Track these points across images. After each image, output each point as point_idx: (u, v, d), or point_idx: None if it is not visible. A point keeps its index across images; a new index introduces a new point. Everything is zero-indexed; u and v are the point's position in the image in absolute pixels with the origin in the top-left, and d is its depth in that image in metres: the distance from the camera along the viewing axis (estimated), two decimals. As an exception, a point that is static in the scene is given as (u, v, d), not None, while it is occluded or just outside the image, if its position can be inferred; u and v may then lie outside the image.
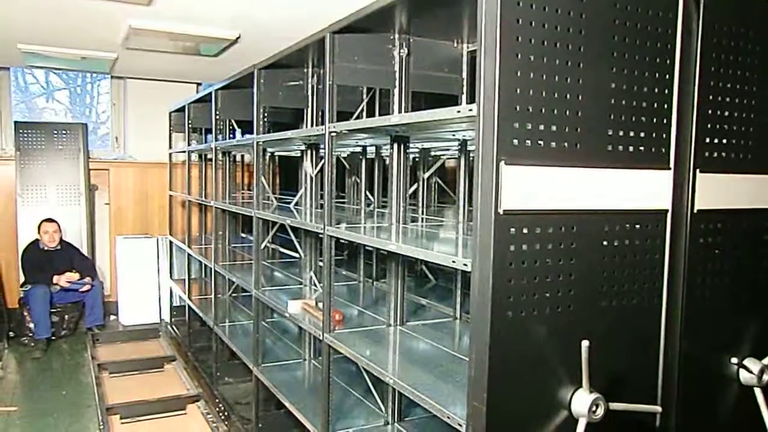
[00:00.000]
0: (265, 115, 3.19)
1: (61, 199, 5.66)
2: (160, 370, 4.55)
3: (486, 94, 1.44)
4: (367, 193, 3.52)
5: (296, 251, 3.74)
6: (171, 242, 5.48)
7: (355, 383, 2.79)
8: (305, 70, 3.11)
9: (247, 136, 4.03)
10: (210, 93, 3.94)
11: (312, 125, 3.17)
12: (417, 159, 3.25)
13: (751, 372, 1.81)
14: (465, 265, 1.53)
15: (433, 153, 3.27)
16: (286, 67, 3.06)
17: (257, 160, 3.13)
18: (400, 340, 2.32)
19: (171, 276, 5.53)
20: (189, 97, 4.72)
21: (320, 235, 2.39)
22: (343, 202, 3.93)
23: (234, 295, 4.39)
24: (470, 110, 1.50)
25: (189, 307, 4.71)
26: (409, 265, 2.68)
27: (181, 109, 4.79)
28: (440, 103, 1.85)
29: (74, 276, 5.12)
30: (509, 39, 1.43)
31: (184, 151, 4.87)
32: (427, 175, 3.05)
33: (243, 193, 5.26)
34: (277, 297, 3.06)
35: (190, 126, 4.62)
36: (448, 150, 3.06)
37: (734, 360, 1.82)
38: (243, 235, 5.36)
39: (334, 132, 2.24)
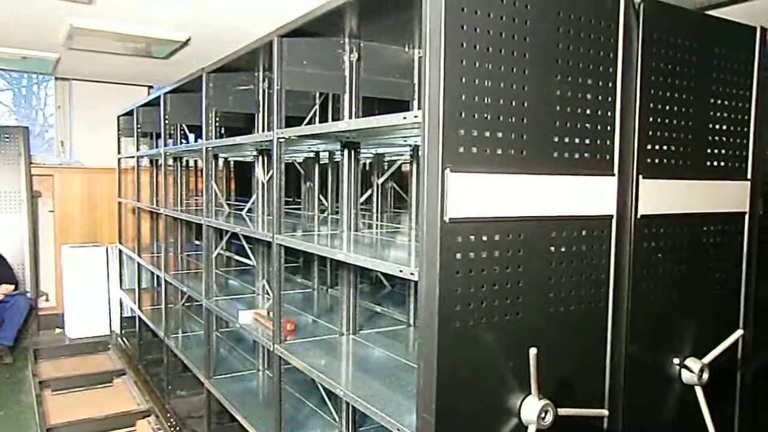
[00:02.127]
0: (217, 120, 3.12)
1: (1, 207, 5.42)
2: (108, 385, 4.38)
3: (431, 100, 1.42)
4: (322, 198, 3.48)
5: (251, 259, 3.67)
6: (120, 251, 5.31)
7: (309, 393, 2.74)
8: (256, 74, 3.05)
9: (199, 141, 3.94)
10: (159, 97, 3.83)
11: (264, 130, 3.11)
12: (371, 164, 3.23)
13: (692, 371, 1.85)
14: (412, 274, 1.51)
15: (387, 158, 3.25)
16: (237, 70, 2.99)
17: (207, 166, 3.06)
18: (352, 349, 2.28)
19: (121, 286, 5.36)
20: (137, 101, 4.59)
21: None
22: (299, 208, 3.88)
23: (187, 304, 4.28)
24: (416, 117, 1.49)
25: (140, 318, 4.57)
26: (363, 272, 2.65)
27: (130, 113, 4.65)
28: (396, 109, 1.84)
29: (9, 288, 4.86)
30: (454, 45, 1.42)
31: (133, 157, 4.72)
32: (381, 180, 3.03)
33: (196, 200, 5.14)
34: (231, 306, 2.99)
35: (139, 130, 4.49)
36: (402, 155, 3.05)
37: (676, 361, 1.86)
38: (197, 242, 5.24)
39: (283, 138, 2.20)
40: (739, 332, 1.97)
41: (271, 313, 2.48)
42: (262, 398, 2.87)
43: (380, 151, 3.06)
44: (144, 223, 5.19)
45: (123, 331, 5.34)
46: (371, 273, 3.34)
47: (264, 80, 3.04)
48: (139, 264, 4.71)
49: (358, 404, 1.78)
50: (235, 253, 4.30)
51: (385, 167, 3.25)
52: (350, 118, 2.28)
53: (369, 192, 3.08)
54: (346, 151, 2.40)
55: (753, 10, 3.14)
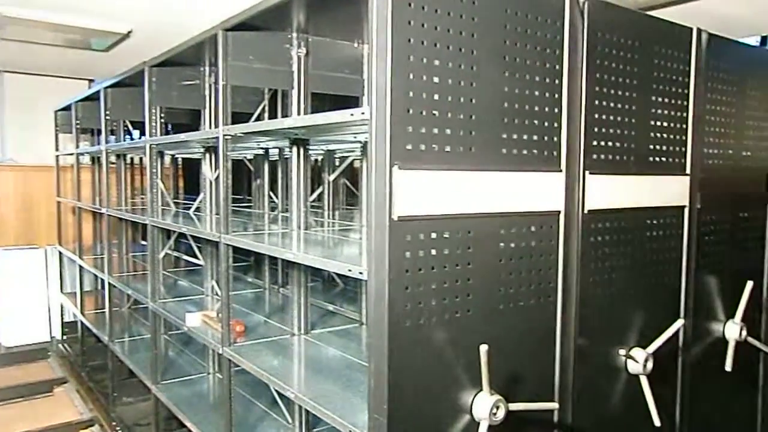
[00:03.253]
0: (162, 115, 3.02)
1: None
2: (48, 395, 4.19)
3: (378, 97, 1.40)
4: (273, 196, 3.42)
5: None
6: (60, 253, 5.08)
7: (261, 394, 2.69)
8: (202, 69, 2.96)
9: (143, 138, 3.81)
10: (99, 91, 3.68)
11: (211, 127, 3.03)
12: (322, 161, 3.19)
13: (637, 361, 1.90)
14: (361, 273, 1.49)
15: (338, 154, 3.22)
16: (181, 65, 2.90)
17: (151, 164, 2.95)
18: (304, 349, 2.25)
19: (62, 290, 5.13)
20: (76, 96, 4.39)
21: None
22: (250, 206, 3.81)
23: (134, 307, 4.14)
24: (363, 114, 1.47)
25: (82, 323, 4.39)
26: (315, 270, 2.62)
27: (68, 108, 4.45)
28: (348, 105, 1.81)
29: None
30: (401, 41, 1.40)
31: (72, 154, 4.52)
32: (332, 177, 3.00)
33: (143, 199, 4.97)
34: (181, 308, 2.90)
35: (78, 127, 4.30)
36: (353, 151, 3.03)
37: (622, 352, 1.91)
38: (144, 242, 5.07)
39: (229, 135, 2.14)
40: (681, 322, 2.03)
41: (220, 315, 2.42)
42: (212, 402, 2.80)
43: (331, 147, 3.03)
44: (86, 224, 4.99)
45: (64, 337, 5.12)
46: (323, 271, 3.31)
47: (210, 75, 2.96)
48: (81, 266, 4.53)
49: (309, 406, 1.75)
50: (185, 253, 4.19)
51: (337, 164, 3.22)
52: (299, 114, 2.24)
53: (320, 189, 3.04)
54: (295, 148, 2.36)
55: (689, 11, 3.25)
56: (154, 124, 2.90)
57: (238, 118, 2.24)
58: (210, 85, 2.98)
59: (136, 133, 4.26)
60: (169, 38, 3.12)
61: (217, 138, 2.19)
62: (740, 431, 2.55)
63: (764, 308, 2.57)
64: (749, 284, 2.34)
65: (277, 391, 2.35)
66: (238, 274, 3.72)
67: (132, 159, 5.02)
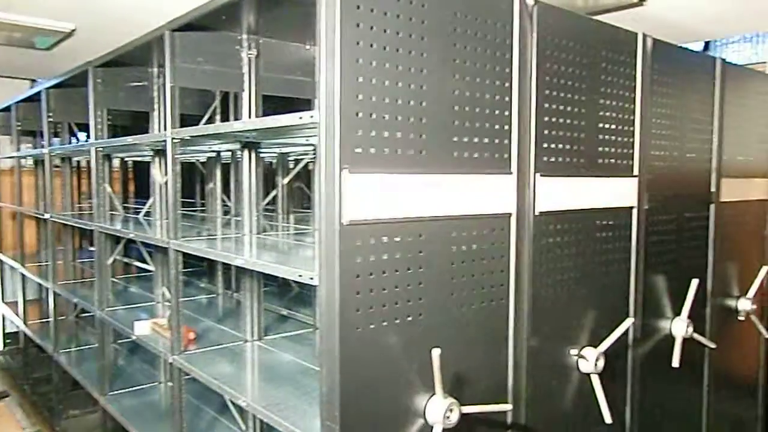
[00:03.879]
0: (109, 117, 2.92)
1: None
2: (-12, 411, 4.02)
3: (327, 100, 1.38)
4: (227, 200, 3.36)
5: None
6: (1, 261, 4.87)
7: (216, 402, 2.63)
8: (150, 70, 2.88)
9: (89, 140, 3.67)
10: (40, 92, 3.53)
11: (159, 130, 2.95)
12: (275, 164, 3.14)
13: (588, 360, 1.93)
14: (311, 279, 1.46)
15: (292, 157, 3.17)
16: (128, 65, 2.81)
17: (97, 168, 2.85)
18: (258, 356, 2.21)
19: (2, 299, 4.92)
20: (15, 96, 4.21)
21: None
22: (204, 210, 3.73)
23: (82, 315, 4.00)
24: (312, 117, 1.44)
25: (25, 333, 4.21)
26: (269, 275, 2.57)
27: (8, 109, 4.27)
28: (302, 107, 1.78)
29: None
30: (349, 43, 1.38)
31: (12, 157, 4.33)
32: (286, 180, 2.96)
33: (90, 203, 4.81)
34: (132, 316, 2.81)
35: (19, 128, 4.13)
36: (307, 154, 2.99)
37: (574, 351, 1.93)
38: (93, 249, 4.90)
39: (177, 138, 2.09)
40: (630, 320, 2.08)
41: (171, 322, 2.35)
42: (164, 412, 2.72)
43: (285, 150, 2.99)
44: (28, 230, 4.78)
45: (5, 349, 4.90)
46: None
47: (159, 76, 2.88)
48: (23, 274, 4.34)
49: (261, 414, 1.72)
50: (136, 259, 4.07)
51: (291, 166, 3.18)
52: (249, 117, 2.19)
53: (274, 193, 3.00)
54: (246, 152, 2.31)
55: (635, 16, 3.34)
56: (99, 126, 2.80)
57: (189, 120, 2.19)
58: (159, 87, 2.90)
59: (82, 136, 4.11)
60: (116, 37, 3.02)
61: (165, 141, 2.13)
62: (687, 425, 2.62)
63: (709, 305, 2.65)
64: (694, 282, 2.41)
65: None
66: (190, 279, 3.63)
67: (78, 162, 4.85)
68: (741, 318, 2.87)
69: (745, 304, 2.86)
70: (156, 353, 2.41)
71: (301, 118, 1.51)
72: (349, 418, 1.42)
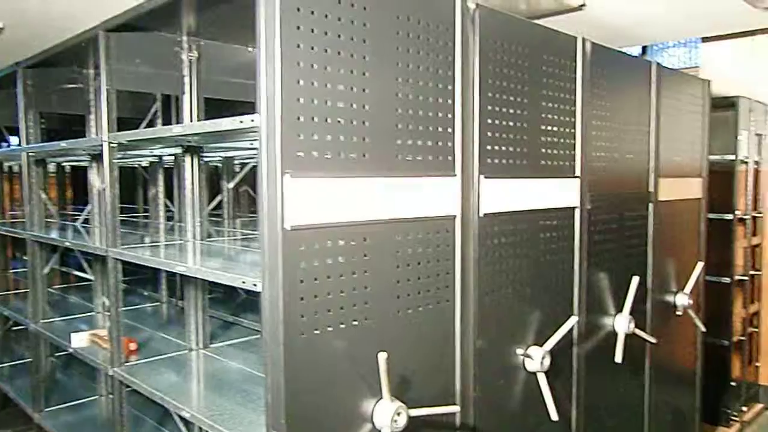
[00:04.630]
0: (43, 120, 2.80)
1: None
2: None
3: (268, 104, 1.36)
4: (171, 205, 3.27)
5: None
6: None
7: (160, 414, 2.55)
8: (86, 72, 2.77)
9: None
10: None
11: (96, 134, 2.84)
12: (221, 168, 3.08)
13: (534, 359, 1.96)
14: (255, 285, 1.43)
15: (238, 161, 3.12)
16: (60, 66, 2.69)
17: (29, 173, 2.73)
18: (203, 365, 2.15)
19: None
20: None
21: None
22: (147, 217, 3.61)
23: (16, 328, 3.81)
24: (253, 121, 1.42)
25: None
26: (214, 282, 2.51)
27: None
28: (248, 111, 1.74)
29: None
30: (289, 46, 1.36)
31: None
32: (231, 185, 2.90)
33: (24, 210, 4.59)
34: (71, 327, 2.70)
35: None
36: (253, 158, 2.94)
37: (520, 351, 1.96)
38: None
39: (114, 143, 2.01)
40: (574, 318, 2.12)
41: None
42: (105, 427, 2.62)
43: (230, 154, 2.93)
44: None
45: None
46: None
47: (95, 78, 2.77)
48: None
49: (205, 425, 1.67)
50: (75, 268, 3.91)
51: (237, 170, 3.12)
52: (191, 120, 2.14)
53: (220, 198, 2.94)
54: (188, 156, 2.25)
55: (575, 20, 3.42)
56: (31, 130, 2.68)
57: (130, 124, 2.11)
58: (95, 89, 2.80)
59: (15, 140, 3.93)
60: (48, 37, 2.89)
61: (102, 146, 2.05)
62: (630, 418, 2.70)
63: (649, 301, 2.74)
64: (635, 279, 2.48)
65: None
66: (134, 288, 3.52)
67: (11, 168, 4.64)
68: (679, 313, 2.98)
69: (682, 299, 2.96)
70: (95, 366, 2.32)
71: (241, 122, 1.49)
72: (295, 425, 1.40)
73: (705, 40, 4.38)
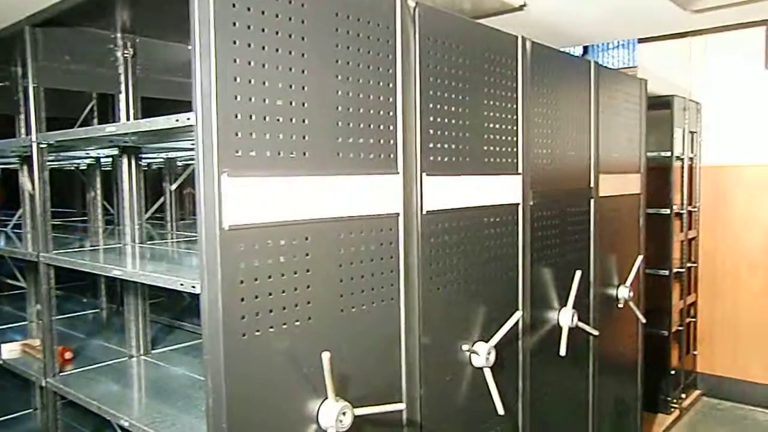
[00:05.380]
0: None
1: None
2: None
3: (203, 102, 1.32)
4: (111, 209, 3.16)
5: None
6: None
7: (100, 424, 2.45)
8: (13, 69, 2.65)
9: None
10: None
11: (25, 134, 2.72)
12: (163, 169, 3.00)
13: (479, 355, 1.98)
14: (193, 287, 1.40)
15: (180, 162, 3.04)
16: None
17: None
18: (144, 372, 2.09)
19: None
20: None
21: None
22: (86, 221, 3.48)
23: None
24: (188, 119, 1.38)
25: None
26: (157, 286, 2.44)
27: None
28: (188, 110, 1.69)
29: None
30: (225, 43, 1.33)
31: None
32: (174, 187, 2.83)
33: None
34: (2, 337, 2.57)
35: None
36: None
37: (466, 347, 1.98)
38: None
39: (44, 143, 1.93)
40: (519, 313, 2.16)
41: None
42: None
43: (172, 155, 2.85)
44: None
45: None
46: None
47: (23, 77, 2.65)
48: None
49: (145, 434, 1.62)
50: (6, 276, 3.73)
51: (180, 172, 3.04)
52: (128, 120, 2.07)
53: (162, 200, 2.86)
54: (125, 157, 2.18)
55: (517, 21, 3.49)
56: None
57: (66, 124, 2.02)
58: (23, 88, 2.68)
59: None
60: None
61: (31, 147, 1.96)
62: (575, 410, 2.77)
63: (592, 294, 2.82)
64: (578, 273, 2.55)
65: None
66: (72, 295, 3.38)
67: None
68: (620, 305, 3.07)
69: (623, 292, 3.06)
70: (27, 377, 2.21)
71: (177, 120, 1.45)
72: (237, 429, 1.37)
73: (642, 41, 4.54)
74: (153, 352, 2.26)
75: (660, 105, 3.91)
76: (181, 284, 1.45)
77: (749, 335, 4.20)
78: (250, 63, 1.38)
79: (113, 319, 2.88)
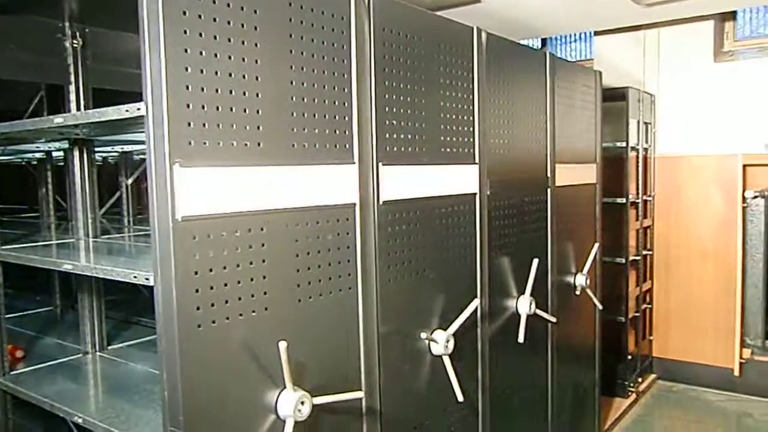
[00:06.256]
0: None
1: None
2: None
3: (153, 92, 1.31)
4: (65, 203, 3.08)
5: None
6: None
7: (56, 422, 2.41)
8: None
9: None
10: None
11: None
12: (117, 163, 2.94)
13: (438, 343, 2.01)
14: (147, 279, 1.38)
15: (137, 156, 2.98)
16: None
17: None
18: (100, 368, 2.05)
19: None
20: None
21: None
22: (38, 216, 3.39)
23: None
24: (139, 110, 1.36)
25: None
26: (114, 282, 2.40)
27: None
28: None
29: None
30: (175, 32, 1.32)
31: None
32: (130, 181, 2.78)
33: None
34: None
35: None
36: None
37: (424, 335, 2.00)
38: None
39: (-12, 136, 1.88)
40: (477, 301, 2.19)
41: (-4, 342, 2.11)
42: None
43: (128, 148, 2.80)
44: None
45: None
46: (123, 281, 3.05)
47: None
48: None
49: (100, 429, 1.60)
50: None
51: (137, 165, 2.98)
52: (78, 111, 2.03)
53: (118, 194, 2.81)
54: (77, 150, 2.13)
55: (475, 12, 3.53)
56: None
57: (13, 116, 1.96)
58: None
59: None
60: None
61: (-26, 139, 1.91)
62: (535, 396, 2.83)
63: (549, 282, 2.88)
64: (535, 262, 2.60)
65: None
66: (24, 293, 3.30)
67: None
68: (578, 293, 3.15)
69: (581, 280, 3.14)
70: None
71: (127, 110, 1.43)
72: (194, 421, 1.37)
73: (598, 34, 4.64)
74: (109, 348, 2.23)
75: (615, 97, 4.00)
76: (135, 276, 1.44)
77: (700, 320, 4.35)
78: (201, 53, 1.36)
79: (68, 317, 2.82)
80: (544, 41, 5.20)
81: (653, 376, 4.52)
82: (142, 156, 3.00)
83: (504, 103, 2.45)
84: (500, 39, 2.40)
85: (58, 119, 1.63)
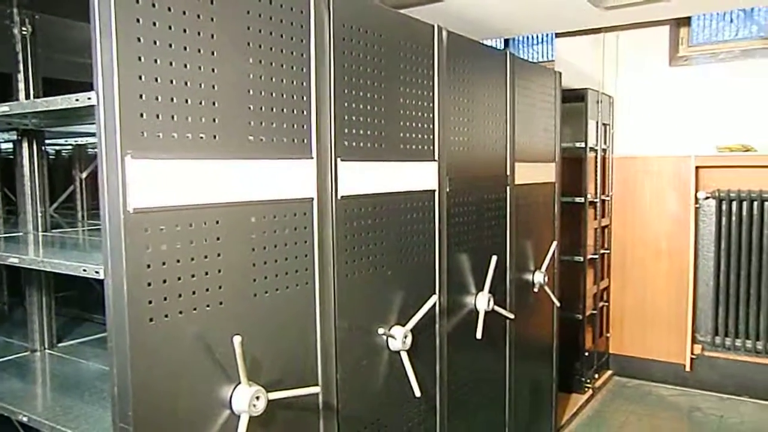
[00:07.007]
0: None
1: None
2: None
3: (104, 81, 1.28)
4: (13, 197, 2.99)
5: None
6: None
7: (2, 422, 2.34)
8: None
9: None
10: None
11: None
12: (71, 156, 2.86)
13: (396, 339, 2.02)
14: (97, 273, 1.35)
15: (91, 149, 2.91)
16: None
17: None
18: (48, 366, 2.00)
19: None
20: None
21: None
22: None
23: None
24: (89, 99, 1.33)
25: None
26: (69, 277, 2.33)
27: None
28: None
29: None
30: (128, 21, 1.29)
31: None
32: (84, 174, 2.71)
33: None
34: None
35: None
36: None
37: (382, 331, 2.01)
38: None
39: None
40: (435, 298, 2.21)
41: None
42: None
43: (82, 141, 2.73)
44: None
45: None
46: (78, 277, 2.97)
47: None
48: None
49: (46, 427, 1.55)
50: None
51: (92, 159, 2.91)
52: (28, 99, 1.97)
53: (72, 188, 2.73)
54: (26, 142, 2.07)
55: (437, 12, 3.55)
56: None
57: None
58: None
59: None
60: None
61: None
62: (493, 392, 2.87)
63: (508, 279, 2.92)
64: (494, 258, 2.64)
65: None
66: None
67: None
68: (536, 290, 3.20)
69: (539, 277, 3.19)
70: None
71: (77, 100, 1.39)
72: (144, 417, 1.34)
73: (558, 35, 4.73)
74: (59, 345, 2.17)
75: (575, 98, 4.08)
76: (84, 270, 1.41)
77: (655, 317, 4.48)
78: (155, 42, 1.34)
79: (16, 314, 2.73)
80: (507, 42, 5.27)
81: (609, 372, 4.63)
82: (96, 149, 2.93)
83: (464, 101, 2.47)
84: (461, 37, 2.42)
85: (4, 107, 1.58)
